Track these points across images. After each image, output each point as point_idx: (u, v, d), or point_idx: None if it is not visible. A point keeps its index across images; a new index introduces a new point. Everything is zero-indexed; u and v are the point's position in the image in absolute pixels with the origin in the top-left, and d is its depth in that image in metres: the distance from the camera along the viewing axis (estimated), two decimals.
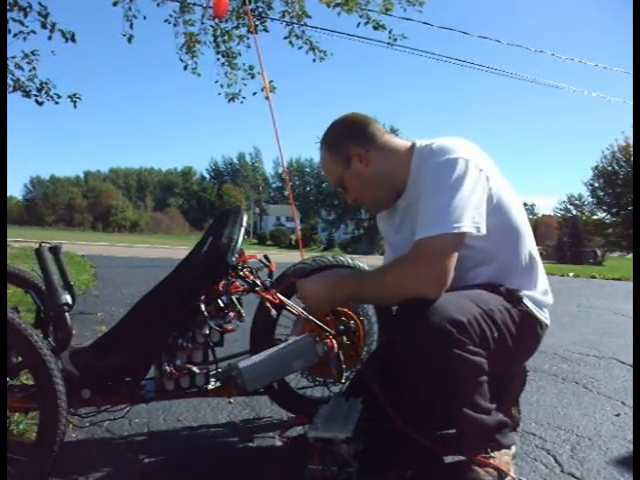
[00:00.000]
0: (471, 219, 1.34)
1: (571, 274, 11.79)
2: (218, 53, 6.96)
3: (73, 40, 6.32)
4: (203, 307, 1.57)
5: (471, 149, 1.46)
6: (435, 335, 1.30)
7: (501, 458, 1.43)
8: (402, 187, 1.55)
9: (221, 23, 6.66)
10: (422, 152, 1.51)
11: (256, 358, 1.63)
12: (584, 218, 39.32)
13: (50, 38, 6.16)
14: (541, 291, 1.58)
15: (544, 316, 1.56)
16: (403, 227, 1.60)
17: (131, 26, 6.48)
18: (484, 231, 1.37)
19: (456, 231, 1.32)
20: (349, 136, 1.57)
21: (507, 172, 1.55)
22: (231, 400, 2.12)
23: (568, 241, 37.27)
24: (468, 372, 1.36)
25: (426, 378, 1.39)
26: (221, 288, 1.61)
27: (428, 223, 1.35)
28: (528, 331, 1.52)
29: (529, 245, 1.56)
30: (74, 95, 6.79)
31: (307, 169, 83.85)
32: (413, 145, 1.56)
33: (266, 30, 6.69)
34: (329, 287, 1.55)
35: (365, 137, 1.56)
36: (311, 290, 1.59)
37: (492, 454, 1.42)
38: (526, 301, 1.50)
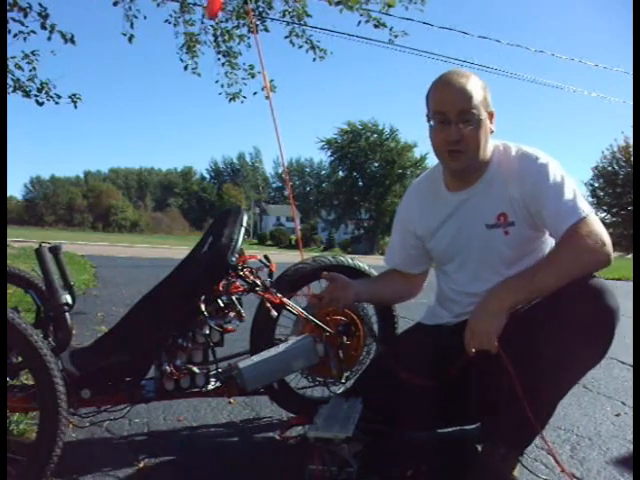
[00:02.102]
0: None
1: None
2: (218, 53, 6.96)
3: (72, 41, 6.31)
4: (203, 307, 1.57)
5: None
6: (614, 315, 1.35)
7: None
8: (479, 171, 1.54)
9: (221, 23, 6.66)
10: (500, 153, 1.55)
11: (256, 358, 1.63)
12: None
13: (49, 39, 6.16)
14: None
15: None
16: (452, 218, 1.60)
17: (131, 26, 6.48)
18: None
19: (592, 215, 1.41)
20: (491, 100, 1.53)
21: None
22: (231, 400, 2.12)
23: None
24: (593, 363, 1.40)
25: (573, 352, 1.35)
26: (221, 288, 1.61)
27: (571, 210, 1.40)
28: None
29: None
30: (74, 95, 6.77)
31: (307, 169, 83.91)
32: None
33: (267, 30, 6.69)
34: (496, 306, 1.36)
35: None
36: (482, 324, 1.35)
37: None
38: None
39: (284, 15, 6.70)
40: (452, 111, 1.43)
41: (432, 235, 1.66)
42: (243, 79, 7.02)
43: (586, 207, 1.41)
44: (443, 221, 1.62)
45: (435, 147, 1.52)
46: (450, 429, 1.81)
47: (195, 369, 1.62)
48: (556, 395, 1.41)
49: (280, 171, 78.82)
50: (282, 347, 1.66)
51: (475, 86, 1.46)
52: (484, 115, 1.46)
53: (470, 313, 1.43)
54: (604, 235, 1.37)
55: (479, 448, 1.61)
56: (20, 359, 1.38)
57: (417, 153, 40.49)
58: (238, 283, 1.65)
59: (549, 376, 1.35)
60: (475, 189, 1.55)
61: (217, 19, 6.15)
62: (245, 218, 1.74)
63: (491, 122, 1.51)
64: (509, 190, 1.49)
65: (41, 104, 6.76)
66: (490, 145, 1.53)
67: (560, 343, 1.32)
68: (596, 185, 35.08)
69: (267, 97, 3.68)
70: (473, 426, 1.79)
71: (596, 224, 1.38)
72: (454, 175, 1.57)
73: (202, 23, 6.88)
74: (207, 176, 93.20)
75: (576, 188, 1.45)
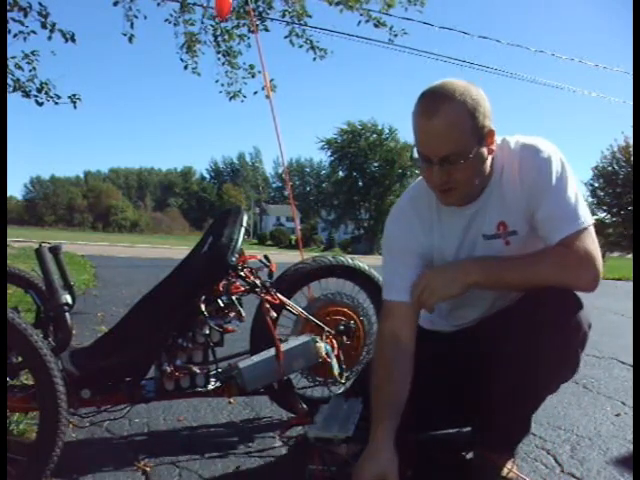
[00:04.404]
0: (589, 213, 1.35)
1: None
2: (218, 52, 6.97)
3: (73, 40, 6.31)
4: (203, 307, 1.57)
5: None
6: (584, 333, 1.32)
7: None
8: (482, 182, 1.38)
9: (221, 23, 6.66)
10: (500, 151, 1.39)
11: (256, 358, 1.63)
12: None
13: (50, 38, 6.16)
14: None
15: None
16: (463, 233, 1.44)
17: (132, 26, 6.49)
18: None
19: (590, 228, 1.32)
20: (489, 115, 1.31)
21: None
22: (231, 400, 2.12)
23: None
24: (568, 374, 1.41)
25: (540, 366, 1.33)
26: (221, 288, 1.61)
27: (569, 218, 1.31)
28: None
29: None
30: (74, 95, 6.77)
31: (307, 169, 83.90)
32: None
33: (267, 29, 6.70)
34: (458, 276, 1.33)
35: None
36: (436, 283, 1.34)
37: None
38: None
39: (284, 15, 6.71)
40: (434, 157, 1.28)
41: (441, 253, 1.48)
42: (243, 78, 7.04)
43: (587, 215, 1.32)
44: (453, 237, 1.46)
45: (426, 182, 1.39)
46: (450, 430, 1.80)
47: (195, 369, 1.61)
48: (531, 404, 1.43)
49: (280, 171, 78.83)
50: (282, 347, 1.65)
51: (460, 117, 1.24)
52: (475, 147, 1.27)
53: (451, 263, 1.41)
54: (597, 256, 1.30)
55: (474, 450, 1.61)
56: (20, 359, 1.38)
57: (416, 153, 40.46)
58: (238, 283, 1.65)
59: (521, 386, 1.36)
60: (481, 201, 1.40)
61: (225, 19, 6.16)
62: (245, 218, 1.74)
63: (491, 142, 1.32)
64: (510, 192, 1.37)
65: (41, 104, 6.76)
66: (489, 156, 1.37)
67: (531, 353, 1.32)
68: (596, 185, 35.03)
69: (267, 96, 3.68)
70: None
71: (591, 240, 1.30)
72: None
73: (202, 23, 6.89)
74: (207, 176, 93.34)
75: (578, 191, 1.34)
